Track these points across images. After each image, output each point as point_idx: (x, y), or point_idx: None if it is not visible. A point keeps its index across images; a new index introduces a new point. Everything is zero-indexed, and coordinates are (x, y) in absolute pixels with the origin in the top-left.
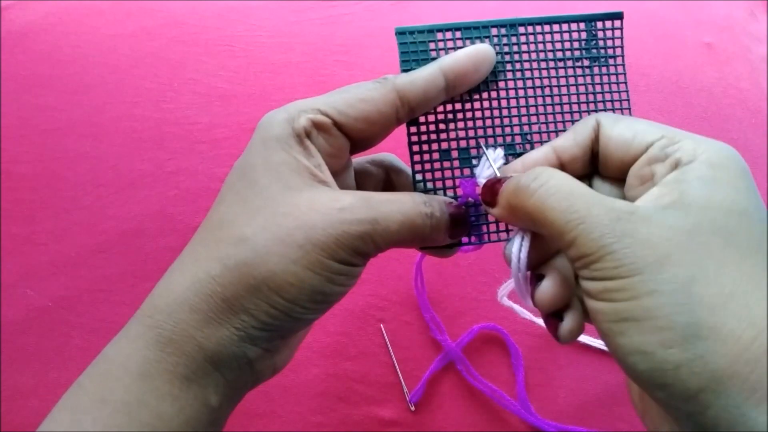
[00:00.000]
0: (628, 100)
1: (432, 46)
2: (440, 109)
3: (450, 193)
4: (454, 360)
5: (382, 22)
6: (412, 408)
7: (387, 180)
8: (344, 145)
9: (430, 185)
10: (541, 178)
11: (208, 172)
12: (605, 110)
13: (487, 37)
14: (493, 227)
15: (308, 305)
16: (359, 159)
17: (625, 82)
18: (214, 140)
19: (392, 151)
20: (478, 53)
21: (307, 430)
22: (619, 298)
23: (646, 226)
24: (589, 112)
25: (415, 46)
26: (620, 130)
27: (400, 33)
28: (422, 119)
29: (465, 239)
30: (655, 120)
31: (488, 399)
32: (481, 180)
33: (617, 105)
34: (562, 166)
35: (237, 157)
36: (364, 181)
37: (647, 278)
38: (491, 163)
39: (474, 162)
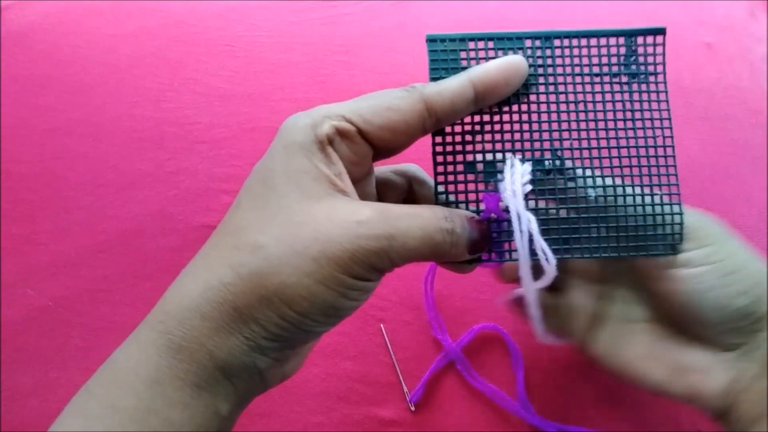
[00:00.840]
0: (669, 119)
1: (463, 55)
2: (467, 120)
3: (472, 206)
4: (454, 360)
5: (382, 22)
6: (412, 408)
7: (409, 191)
8: (367, 153)
9: (452, 198)
10: None
11: (208, 172)
12: (644, 128)
13: (520, 48)
14: (513, 246)
15: (319, 319)
16: (382, 168)
17: (667, 101)
18: (214, 140)
19: (415, 161)
20: (510, 65)
21: (307, 430)
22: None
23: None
24: (625, 130)
25: (445, 54)
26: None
27: (430, 40)
28: (448, 129)
29: (485, 255)
30: None
31: (488, 399)
32: (506, 195)
33: (657, 124)
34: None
35: (237, 157)
36: (386, 190)
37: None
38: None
39: (499, 176)
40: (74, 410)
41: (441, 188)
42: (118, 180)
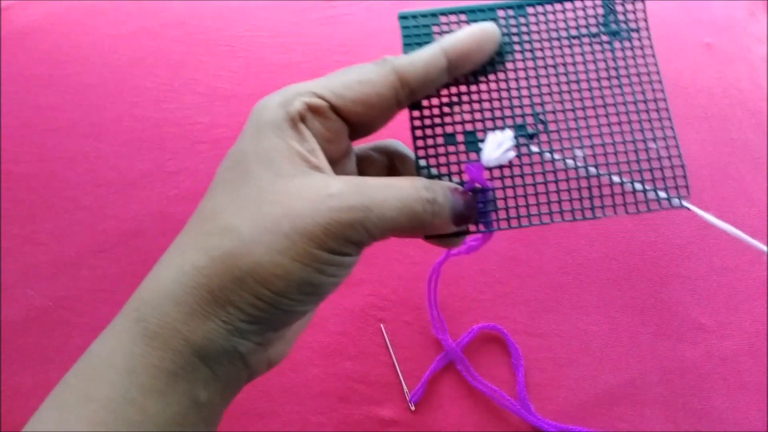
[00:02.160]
0: (659, 73)
1: (436, 30)
2: (444, 92)
3: (456, 179)
4: (454, 360)
5: (382, 22)
6: (412, 408)
7: (391, 167)
8: (342, 130)
9: (434, 171)
10: None
11: (208, 172)
12: (631, 85)
13: (493, 19)
14: (502, 214)
15: (297, 297)
16: (362, 146)
17: (653, 56)
18: (214, 140)
19: (395, 137)
20: (481, 32)
21: (307, 430)
22: None
23: None
24: (611, 87)
25: (417, 30)
26: None
27: (402, 17)
28: (425, 103)
29: (472, 227)
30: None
31: (488, 399)
32: (489, 163)
33: (645, 78)
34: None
35: None
36: (367, 168)
37: None
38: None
39: (481, 146)
40: (50, 403)
41: (422, 162)
42: (118, 180)
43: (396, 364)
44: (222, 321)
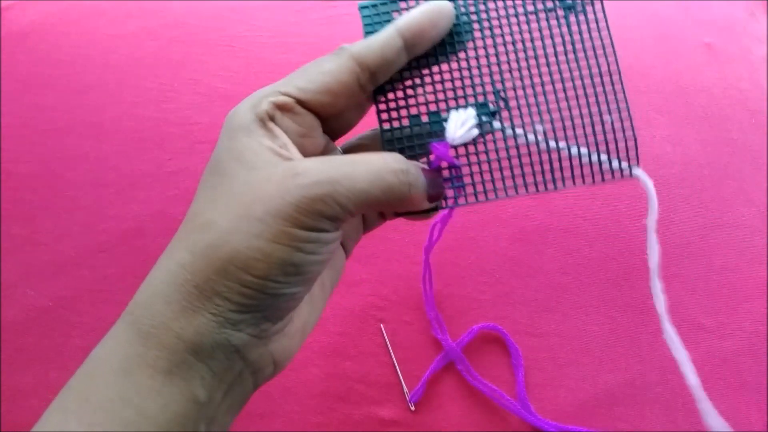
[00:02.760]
0: (612, 45)
1: (396, 16)
2: (406, 75)
3: (423, 160)
4: (454, 360)
5: None
6: (412, 408)
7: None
8: (313, 123)
9: (403, 144)
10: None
11: None
12: (586, 59)
13: (451, 0)
14: (469, 189)
15: (281, 279)
16: (351, 138)
17: (607, 29)
18: (214, 141)
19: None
20: (434, 9)
21: (307, 430)
22: None
23: None
24: (567, 63)
25: (378, 18)
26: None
27: (363, 7)
28: (388, 87)
29: (442, 203)
30: (655, 120)
31: (488, 399)
32: (455, 141)
33: (599, 52)
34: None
35: None
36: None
37: None
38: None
39: (445, 125)
40: (55, 407)
41: (388, 145)
42: (118, 180)
43: (396, 364)
44: (211, 314)
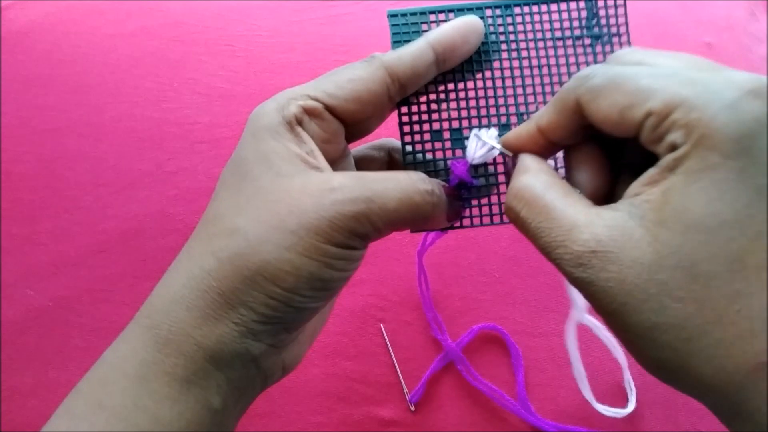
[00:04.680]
0: None
1: (425, 28)
2: (432, 89)
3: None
4: (454, 360)
5: (382, 22)
6: (412, 408)
7: (390, 162)
8: (338, 130)
9: (422, 168)
10: (513, 188)
11: (208, 172)
12: None
13: (481, 18)
14: (485, 210)
15: (307, 293)
16: (360, 147)
17: None
18: (214, 140)
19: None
20: (465, 25)
21: (307, 430)
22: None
23: (614, 264)
24: None
25: (407, 28)
26: (604, 110)
27: (392, 15)
28: (413, 100)
29: (457, 223)
30: None
31: (488, 399)
32: (474, 160)
33: None
34: (551, 143)
35: None
36: (367, 166)
37: (619, 318)
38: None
39: (466, 143)
40: (63, 411)
41: (409, 158)
42: (118, 180)
43: (396, 364)
44: (234, 323)
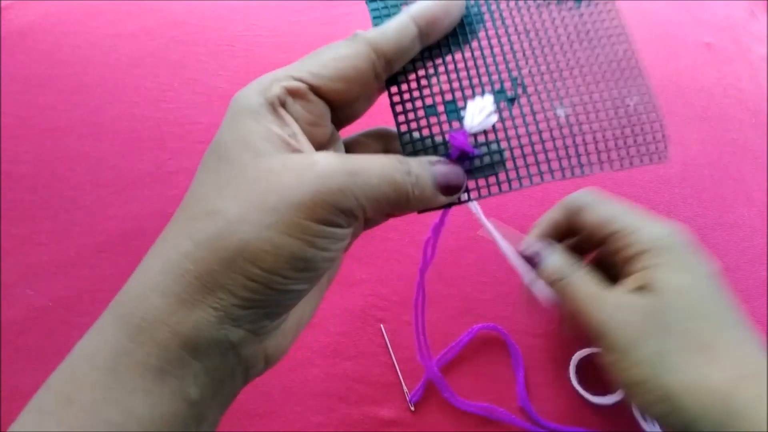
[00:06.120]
0: (626, 33)
1: (404, 9)
2: (420, 66)
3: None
4: (439, 387)
5: None
6: (412, 408)
7: (385, 150)
8: (324, 111)
9: (419, 145)
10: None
11: None
12: (600, 47)
13: None
14: (492, 179)
15: (289, 274)
16: (352, 134)
17: (619, 17)
18: None
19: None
20: None
21: (307, 430)
22: (619, 369)
23: (623, 311)
24: (582, 49)
25: (387, 11)
26: (592, 219)
27: (371, 0)
28: (402, 79)
29: (464, 197)
30: None
31: (488, 399)
32: (473, 129)
33: (614, 40)
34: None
35: None
36: (358, 152)
37: (630, 354)
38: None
39: (462, 113)
40: (32, 407)
41: (406, 137)
42: (118, 180)
43: (396, 364)
44: (212, 308)
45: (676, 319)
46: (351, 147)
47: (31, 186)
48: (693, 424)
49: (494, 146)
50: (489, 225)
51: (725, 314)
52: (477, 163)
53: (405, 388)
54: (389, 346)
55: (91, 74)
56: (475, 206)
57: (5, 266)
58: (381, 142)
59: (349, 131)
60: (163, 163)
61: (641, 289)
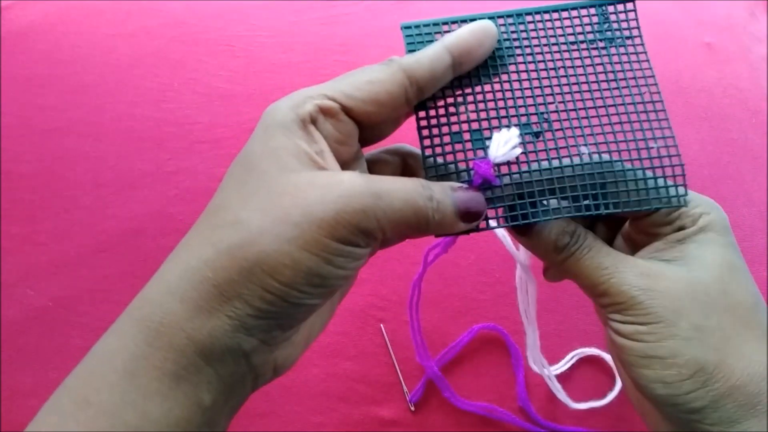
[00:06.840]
0: (654, 77)
1: (438, 38)
2: (448, 93)
3: (463, 177)
4: (439, 386)
5: (382, 22)
6: (412, 408)
7: (404, 167)
8: (353, 131)
9: (442, 170)
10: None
11: (208, 172)
12: (628, 87)
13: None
14: (510, 210)
15: (305, 289)
16: (373, 151)
17: (648, 61)
18: (214, 140)
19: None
20: (480, 29)
21: (307, 430)
22: (647, 340)
23: (661, 281)
24: (610, 90)
25: (420, 38)
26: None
27: (405, 27)
28: (430, 104)
29: (483, 224)
30: None
31: (488, 399)
32: (497, 159)
33: (641, 82)
34: None
35: None
36: (380, 170)
37: (668, 325)
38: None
39: (487, 143)
40: (50, 407)
41: (429, 161)
42: (118, 180)
43: (396, 364)
44: (227, 317)
45: (720, 297)
46: (373, 164)
47: (31, 186)
48: (716, 402)
49: (516, 177)
50: (516, 252)
51: (759, 298)
52: (498, 192)
53: (405, 387)
54: (389, 346)
55: (91, 74)
56: (501, 232)
57: (5, 266)
58: (399, 157)
59: (371, 148)
60: (163, 163)
61: (679, 260)
